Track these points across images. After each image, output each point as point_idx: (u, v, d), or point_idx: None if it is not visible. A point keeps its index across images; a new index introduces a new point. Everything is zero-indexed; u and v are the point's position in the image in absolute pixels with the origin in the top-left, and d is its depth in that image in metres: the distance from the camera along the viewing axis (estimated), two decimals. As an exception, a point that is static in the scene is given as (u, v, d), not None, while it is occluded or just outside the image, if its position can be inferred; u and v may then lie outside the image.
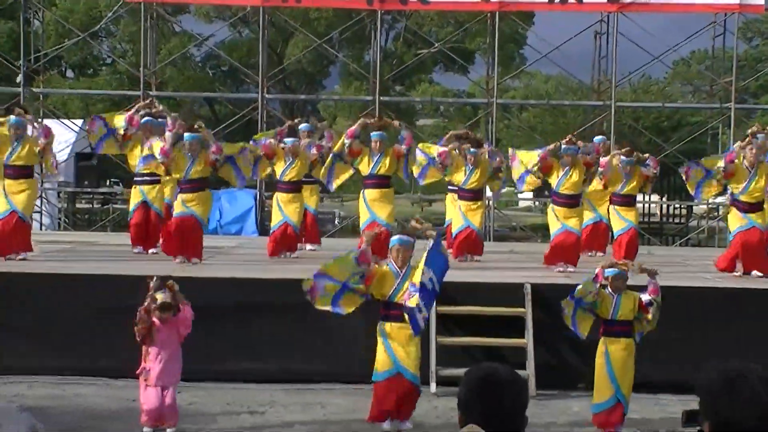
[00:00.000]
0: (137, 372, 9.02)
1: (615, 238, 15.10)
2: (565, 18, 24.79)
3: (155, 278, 9.04)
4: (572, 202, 13.68)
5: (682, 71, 44.36)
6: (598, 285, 9.24)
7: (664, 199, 34.27)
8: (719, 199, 25.57)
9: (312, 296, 9.00)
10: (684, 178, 14.19)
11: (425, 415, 9.87)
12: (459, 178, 14.49)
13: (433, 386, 10.85)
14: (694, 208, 31.16)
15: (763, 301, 11.74)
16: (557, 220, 13.62)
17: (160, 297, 8.91)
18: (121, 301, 10.25)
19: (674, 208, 34.00)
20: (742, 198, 13.28)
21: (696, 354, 10.41)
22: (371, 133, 13.91)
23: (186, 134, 13.01)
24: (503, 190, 17.60)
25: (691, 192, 14.31)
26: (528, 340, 11.05)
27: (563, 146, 13.56)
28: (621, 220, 14.85)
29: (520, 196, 50.39)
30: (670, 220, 33.93)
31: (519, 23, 30.71)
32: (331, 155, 13.99)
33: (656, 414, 10.21)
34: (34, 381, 10.93)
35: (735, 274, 13.25)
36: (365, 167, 13.58)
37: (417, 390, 9.26)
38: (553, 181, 13.67)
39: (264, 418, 9.90)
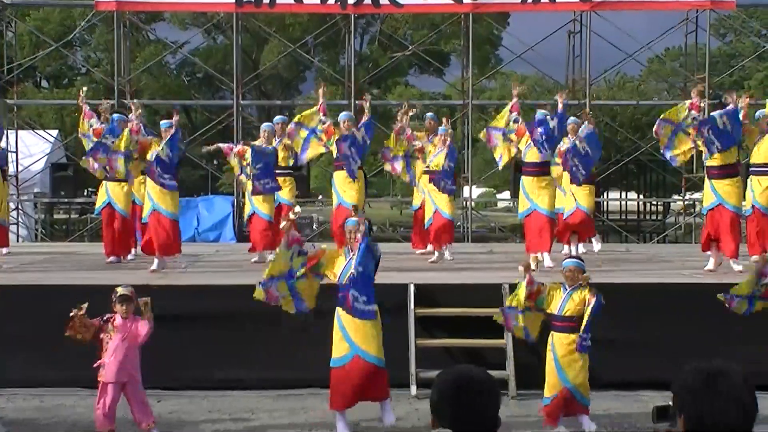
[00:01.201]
0: (94, 366, 8.92)
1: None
2: (540, 18, 24.89)
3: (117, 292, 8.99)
4: (540, 170, 13.48)
5: (657, 68, 44.54)
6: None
7: (640, 196, 34.34)
8: (696, 195, 25.71)
9: (274, 302, 9.04)
10: (655, 136, 13.81)
11: (406, 417, 9.88)
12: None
13: (413, 389, 10.85)
14: (671, 204, 31.26)
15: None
16: (526, 198, 13.53)
17: (120, 290, 8.91)
18: (99, 311, 10.21)
19: (651, 205, 34.07)
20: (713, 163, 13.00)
21: (676, 351, 10.46)
22: (340, 115, 14.04)
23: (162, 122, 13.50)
24: (482, 190, 17.66)
25: (663, 149, 13.42)
26: (507, 341, 11.07)
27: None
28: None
29: (498, 196, 50.57)
30: (648, 217, 34.01)
31: (494, 24, 30.82)
32: (308, 130, 14.10)
33: (636, 409, 10.24)
34: (13, 394, 10.88)
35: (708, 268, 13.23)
36: (334, 149, 13.67)
37: (383, 371, 9.15)
38: (522, 146, 13.54)
39: (247, 425, 9.89)
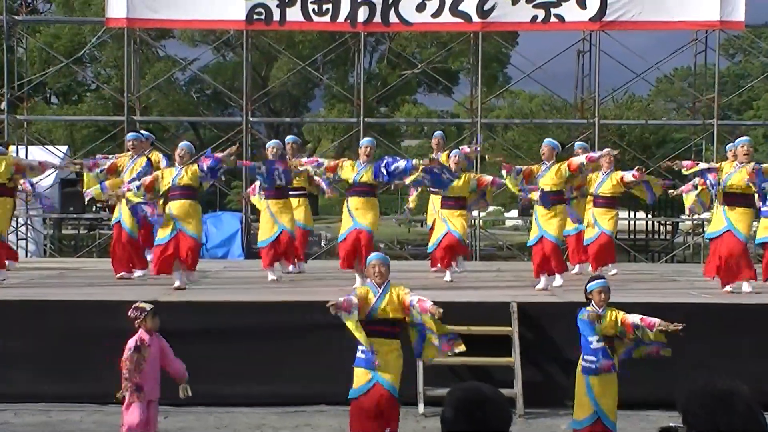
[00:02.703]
0: (123, 390, 8.79)
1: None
2: (548, 37, 24.93)
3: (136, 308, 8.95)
4: (556, 198, 13.59)
5: (665, 88, 44.59)
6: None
7: (649, 216, 34.33)
8: (705, 215, 25.68)
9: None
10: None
11: (413, 435, 9.88)
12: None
13: (420, 407, 10.85)
14: (679, 224, 31.24)
15: (751, 317, 11.77)
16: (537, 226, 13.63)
17: (143, 305, 8.88)
18: (107, 326, 10.25)
19: (660, 225, 34.09)
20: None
21: (683, 371, 10.43)
22: (364, 139, 14.03)
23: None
24: (489, 209, 17.70)
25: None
26: (515, 359, 11.07)
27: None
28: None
29: (506, 215, 50.58)
30: (656, 236, 34.00)
31: (502, 43, 30.86)
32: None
33: (643, 430, 10.21)
34: (20, 408, 10.89)
35: (727, 289, 13.23)
36: (348, 174, 13.62)
37: (396, 402, 9.07)
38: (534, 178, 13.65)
39: (253, 442, 9.90)
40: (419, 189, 15.86)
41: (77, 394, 11.04)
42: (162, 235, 13.24)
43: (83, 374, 11.02)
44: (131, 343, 8.69)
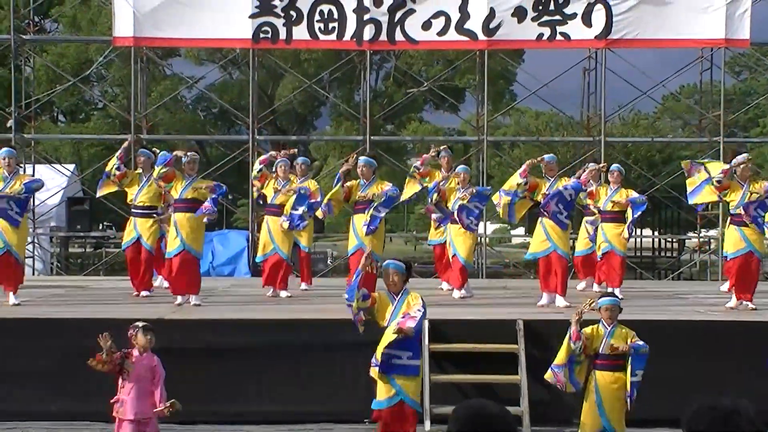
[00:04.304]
0: (111, 402, 8.80)
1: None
2: (554, 55, 24.90)
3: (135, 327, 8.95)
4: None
5: (672, 106, 44.59)
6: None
7: (655, 233, 34.28)
8: (711, 233, 25.64)
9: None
10: (686, 174, 14.11)
11: (420, 453, 9.84)
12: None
13: (427, 424, 10.79)
14: (686, 242, 31.21)
15: (755, 335, 11.74)
16: (547, 239, 13.58)
17: (140, 323, 8.89)
18: (113, 344, 10.23)
19: (666, 242, 34.01)
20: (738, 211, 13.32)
21: (690, 388, 10.41)
22: (359, 159, 14.08)
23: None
24: (496, 227, 17.71)
25: (689, 193, 14.11)
26: (521, 377, 11.03)
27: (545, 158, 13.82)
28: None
29: (513, 232, 50.53)
30: (662, 254, 33.93)
31: (508, 61, 30.91)
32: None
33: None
34: (27, 427, 10.88)
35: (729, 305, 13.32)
36: (355, 193, 13.68)
37: (417, 416, 9.13)
38: (540, 197, 13.66)
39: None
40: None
41: (84, 412, 11.01)
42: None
43: (90, 392, 10.99)
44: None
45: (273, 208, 14.79)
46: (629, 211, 14.60)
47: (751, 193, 13.21)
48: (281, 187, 14.83)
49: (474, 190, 14.58)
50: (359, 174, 13.77)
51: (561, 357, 9.30)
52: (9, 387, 11.20)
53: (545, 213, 13.50)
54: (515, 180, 13.82)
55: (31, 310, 12.65)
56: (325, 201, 14.04)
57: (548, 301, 13.50)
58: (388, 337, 8.74)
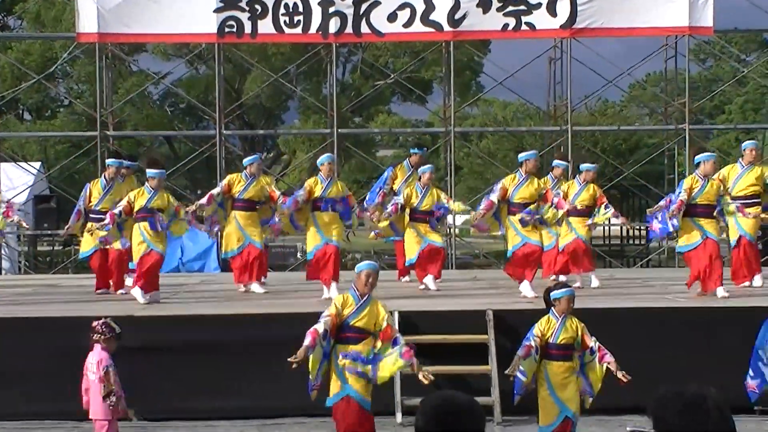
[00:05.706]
0: (106, 399, 8.73)
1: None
2: (520, 45, 25.05)
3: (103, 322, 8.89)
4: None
5: (638, 94, 44.81)
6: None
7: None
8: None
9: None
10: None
11: (392, 445, 9.89)
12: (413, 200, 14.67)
13: (398, 416, 10.86)
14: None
15: (726, 321, 11.83)
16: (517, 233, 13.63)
17: (114, 324, 8.83)
18: (84, 342, 10.20)
19: (635, 230, 34.22)
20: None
21: (660, 375, 10.49)
22: (321, 157, 14.10)
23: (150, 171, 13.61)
24: (465, 217, 17.73)
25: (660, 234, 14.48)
26: (492, 367, 11.10)
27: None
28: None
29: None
30: (631, 242, 34.15)
31: (474, 51, 30.96)
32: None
33: (621, 435, 10.26)
34: (1, 427, 10.85)
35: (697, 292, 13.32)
36: (318, 191, 13.67)
37: (369, 415, 9.19)
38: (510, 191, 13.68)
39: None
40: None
41: (55, 411, 10.98)
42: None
43: (60, 391, 10.96)
44: (106, 361, 8.62)
45: (241, 203, 14.72)
46: (601, 209, 14.64)
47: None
48: (248, 182, 14.68)
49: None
50: (322, 171, 13.75)
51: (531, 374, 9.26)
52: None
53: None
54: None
55: (0, 310, 12.58)
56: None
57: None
58: (396, 366, 9.04)
